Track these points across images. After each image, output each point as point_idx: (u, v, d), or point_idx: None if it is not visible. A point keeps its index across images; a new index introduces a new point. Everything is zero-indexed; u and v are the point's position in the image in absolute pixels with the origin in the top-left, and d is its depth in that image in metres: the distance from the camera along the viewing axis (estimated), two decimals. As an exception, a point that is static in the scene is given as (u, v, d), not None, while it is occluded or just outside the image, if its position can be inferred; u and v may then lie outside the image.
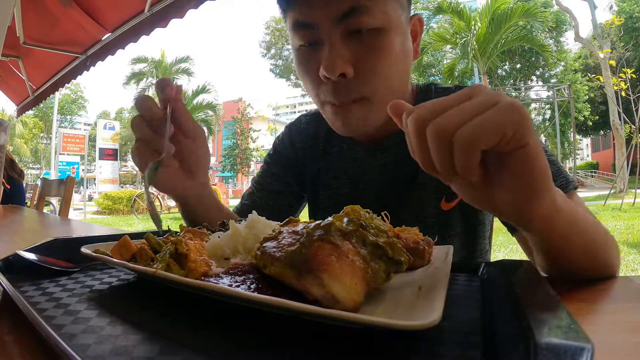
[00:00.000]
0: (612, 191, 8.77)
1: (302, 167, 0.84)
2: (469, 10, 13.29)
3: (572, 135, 14.88)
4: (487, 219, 0.75)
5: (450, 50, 16.05)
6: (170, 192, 0.62)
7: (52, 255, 0.48)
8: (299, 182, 0.85)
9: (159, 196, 10.51)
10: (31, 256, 0.45)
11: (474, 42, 12.78)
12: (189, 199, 0.65)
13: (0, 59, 3.06)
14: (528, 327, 0.20)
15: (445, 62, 16.90)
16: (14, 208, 2.34)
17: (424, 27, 0.70)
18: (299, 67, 0.65)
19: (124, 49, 2.56)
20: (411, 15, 0.66)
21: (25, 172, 3.90)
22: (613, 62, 10.14)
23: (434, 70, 18.95)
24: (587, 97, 17.61)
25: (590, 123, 18.10)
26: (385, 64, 0.59)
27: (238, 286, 0.31)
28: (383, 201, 0.73)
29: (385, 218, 0.38)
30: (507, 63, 19.08)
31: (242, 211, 0.84)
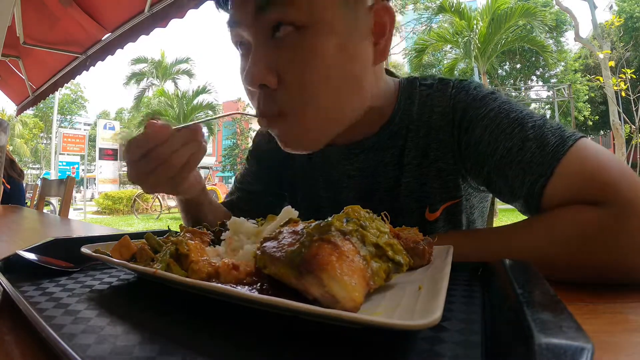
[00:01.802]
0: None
1: (280, 166, 0.78)
2: (469, 10, 13.28)
3: (572, 135, 14.82)
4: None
5: (450, 50, 16.05)
6: (187, 192, 0.64)
7: (52, 255, 0.48)
8: (278, 182, 0.80)
9: (159, 196, 10.51)
10: (31, 256, 0.45)
11: (477, 41, 12.78)
12: (194, 196, 0.68)
13: (0, 59, 3.06)
14: (528, 327, 0.20)
15: (445, 62, 16.89)
16: (14, 208, 2.34)
17: (395, 19, 0.58)
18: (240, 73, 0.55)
19: (122, 48, 2.56)
20: (371, 4, 0.53)
21: (25, 172, 3.90)
22: (612, 63, 10.13)
23: (434, 70, 18.94)
24: (587, 97, 17.60)
25: (590, 123, 18.08)
26: (312, 72, 0.49)
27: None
28: (364, 206, 0.68)
29: (385, 218, 0.38)
30: (507, 63, 19.07)
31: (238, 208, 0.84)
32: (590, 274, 0.42)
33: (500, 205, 8.46)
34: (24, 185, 3.57)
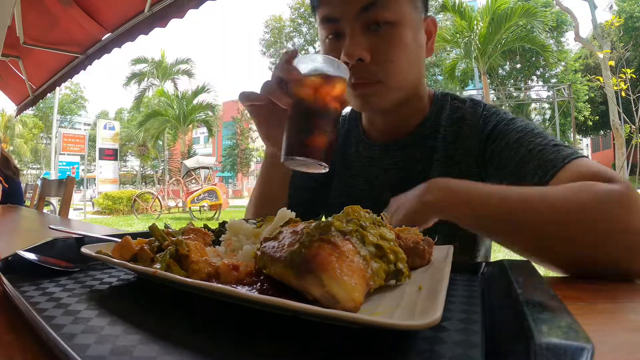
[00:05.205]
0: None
1: None
2: (470, 10, 13.27)
3: (572, 135, 14.87)
4: None
5: (450, 49, 16.04)
6: None
7: (52, 255, 0.48)
8: (314, 178, 0.88)
9: (158, 196, 10.51)
10: (31, 256, 0.45)
11: (477, 41, 12.78)
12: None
13: (0, 59, 3.06)
14: (528, 327, 0.20)
15: (447, 62, 16.87)
16: (13, 208, 2.34)
17: (438, 28, 0.77)
18: None
19: (120, 47, 2.56)
20: (425, 16, 0.73)
21: (25, 172, 3.90)
22: (612, 63, 10.13)
23: (436, 69, 18.95)
24: (587, 97, 17.59)
25: (590, 123, 18.08)
26: (398, 53, 0.67)
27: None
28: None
29: (384, 218, 0.38)
30: (508, 63, 19.06)
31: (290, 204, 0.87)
32: (602, 251, 0.45)
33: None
34: (23, 185, 3.56)
